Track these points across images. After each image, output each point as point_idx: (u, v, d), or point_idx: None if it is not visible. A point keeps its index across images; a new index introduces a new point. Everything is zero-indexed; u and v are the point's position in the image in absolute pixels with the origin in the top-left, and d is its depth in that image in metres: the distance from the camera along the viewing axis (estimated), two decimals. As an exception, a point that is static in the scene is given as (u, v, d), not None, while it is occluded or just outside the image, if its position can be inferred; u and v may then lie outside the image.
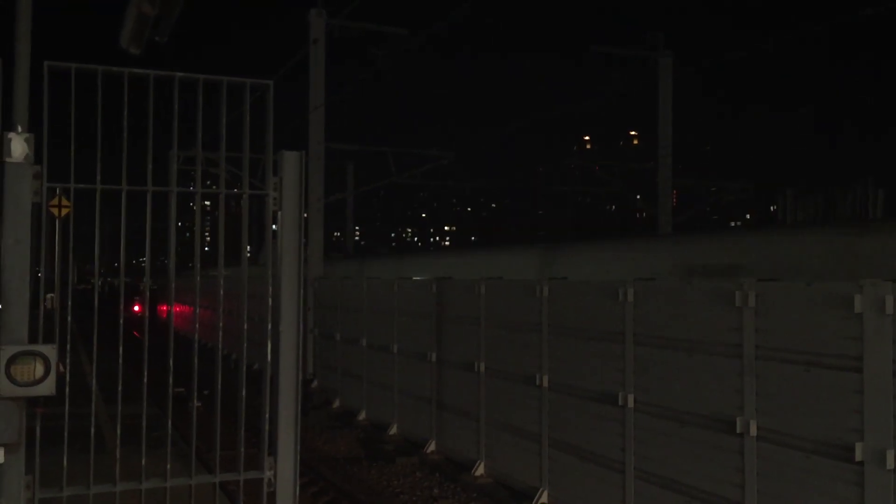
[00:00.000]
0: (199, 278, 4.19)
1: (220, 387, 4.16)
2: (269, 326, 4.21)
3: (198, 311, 4.26)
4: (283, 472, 4.14)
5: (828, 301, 6.38)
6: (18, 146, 3.61)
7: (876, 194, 26.30)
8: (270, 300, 4.22)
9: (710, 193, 37.31)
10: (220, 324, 4.23)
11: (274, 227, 4.27)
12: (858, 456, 6.01)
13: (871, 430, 5.97)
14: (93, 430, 3.86)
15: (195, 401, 4.01)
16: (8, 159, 3.60)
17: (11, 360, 3.49)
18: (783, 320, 6.76)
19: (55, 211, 4.03)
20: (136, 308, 39.23)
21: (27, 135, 3.64)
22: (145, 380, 4.00)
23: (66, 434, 3.71)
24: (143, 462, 3.92)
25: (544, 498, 9.71)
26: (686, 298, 7.86)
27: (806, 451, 6.48)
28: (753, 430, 6.91)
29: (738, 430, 7.03)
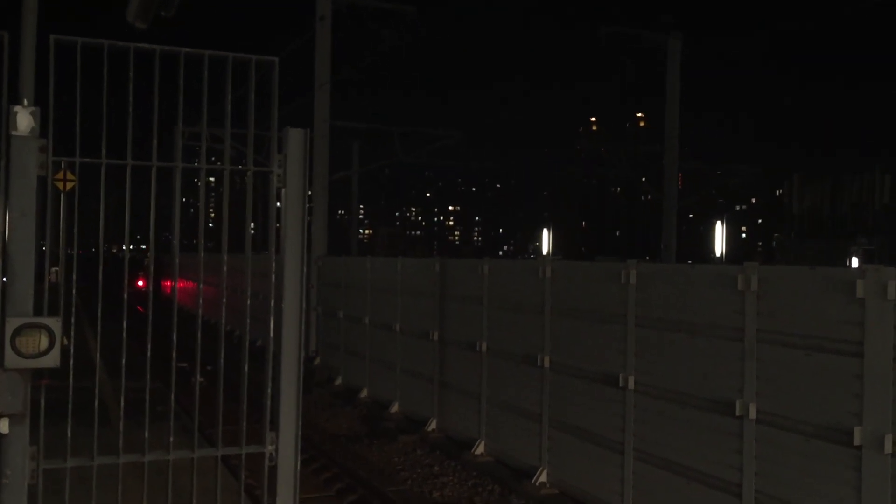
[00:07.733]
0: (202, 254, 4.21)
1: (223, 362, 4.19)
2: (272, 303, 4.23)
3: (201, 287, 4.28)
4: (285, 446, 4.18)
5: (830, 286, 6.39)
6: (24, 119, 3.62)
7: (883, 180, 26.19)
8: (273, 277, 4.24)
9: (715, 177, 37.22)
10: (224, 300, 4.26)
11: (278, 204, 4.28)
12: (857, 440, 6.04)
13: (870, 414, 6.00)
14: (96, 402, 3.89)
15: (198, 376, 4.03)
16: (14, 132, 3.60)
17: (17, 332, 3.51)
18: (785, 304, 6.77)
19: (60, 185, 4.04)
20: (140, 283, 39.46)
21: (33, 108, 3.64)
22: (149, 354, 4.03)
23: (69, 406, 3.74)
24: (146, 435, 3.96)
25: (543, 477, 9.77)
26: (688, 281, 7.87)
27: (805, 434, 6.51)
28: (753, 413, 6.94)
29: (737, 413, 7.06)
